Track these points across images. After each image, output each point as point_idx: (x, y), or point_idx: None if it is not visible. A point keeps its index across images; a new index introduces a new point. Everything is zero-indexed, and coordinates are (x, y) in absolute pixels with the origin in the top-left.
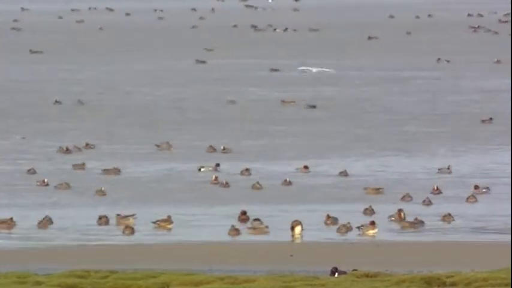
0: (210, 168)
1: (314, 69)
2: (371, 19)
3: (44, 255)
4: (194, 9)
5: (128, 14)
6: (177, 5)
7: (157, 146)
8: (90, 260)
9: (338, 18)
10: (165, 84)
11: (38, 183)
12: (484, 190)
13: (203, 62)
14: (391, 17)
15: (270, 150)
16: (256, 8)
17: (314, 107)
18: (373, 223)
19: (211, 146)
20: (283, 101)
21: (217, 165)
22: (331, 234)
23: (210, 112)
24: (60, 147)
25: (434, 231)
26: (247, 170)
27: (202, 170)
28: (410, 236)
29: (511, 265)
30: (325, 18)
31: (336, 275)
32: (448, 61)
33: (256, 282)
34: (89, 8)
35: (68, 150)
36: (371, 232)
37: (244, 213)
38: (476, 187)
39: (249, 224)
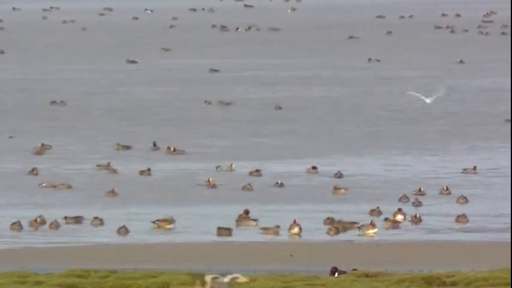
0: (224, 169)
1: (428, 100)
2: (360, 19)
3: (44, 255)
4: (194, 9)
5: (101, 14)
6: (176, 5)
7: (117, 144)
8: (90, 259)
9: (331, 18)
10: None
11: (45, 184)
12: (448, 192)
13: (134, 62)
14: (381, 17)
15: (260, 151)
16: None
17: (280, 108)
18: (373, 223)
19: (168, 147)
20: (205, 101)
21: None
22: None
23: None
24: (35, 147)
25: (435, 230)
26: (257, 171)
27: (218, 169)
28: (410, 236)
29: (511, 265)
30: (319, 18)
31: (336, 274)
32: (378, 61)
33: (256, 282)
34: (51, 8)
35: (39, 151)
36: (371, 232)
37: (246, 212)
38: (446, 188)
39: (246, 224)
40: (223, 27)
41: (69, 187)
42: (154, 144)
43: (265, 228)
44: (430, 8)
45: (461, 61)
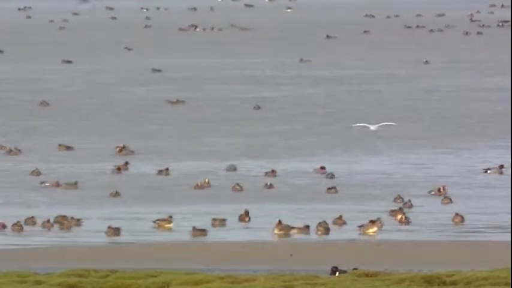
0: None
1: (372, 127)
2: (348, 18)
3: (44, 255)
4: (194, 9)
5: (75, 14)
6: (177, 4)
7: (59, 145)
8: (90, 259)
9: (321, 17)
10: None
11: (48, 184)
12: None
13: (69, 62)
14: (370, 16)
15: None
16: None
17: (259, 107)
18: (373, 222)
19: (122, 148)
20: (170, 101)
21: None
22: (331, 233)
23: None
24: (7, 148)
25: (436, 230)
26: (273, 171)
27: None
28: (410, 236)
29: (511, 265)
30: (310, 17)
31: (337, 274)
32: (309, 61)
33: (256, 281)
34: (25, 7)
35: (11, 151)
36: (371, 231)
37: (247, 213)
38: (440, 189)
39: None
40: (194, 26)
41: (74, 186)
42: (123, 147)
43: (297, 228)
44: (425, 8)
45: (426, 61)
